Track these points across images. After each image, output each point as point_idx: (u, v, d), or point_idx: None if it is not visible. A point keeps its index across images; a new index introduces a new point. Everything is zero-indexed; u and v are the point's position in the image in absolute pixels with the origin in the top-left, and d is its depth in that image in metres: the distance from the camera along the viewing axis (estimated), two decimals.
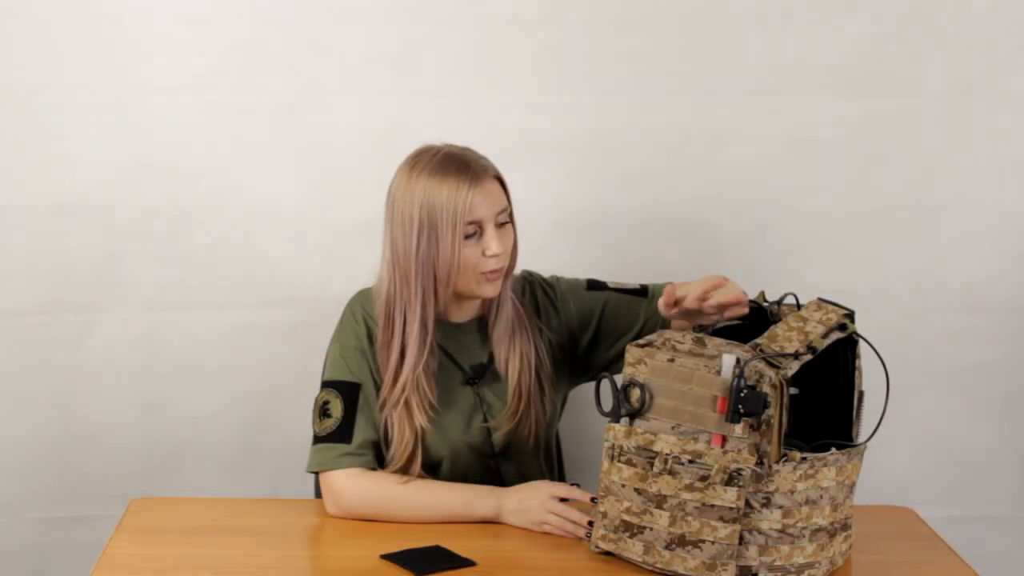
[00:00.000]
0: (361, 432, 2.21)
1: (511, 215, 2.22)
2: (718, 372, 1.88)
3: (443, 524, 2.14)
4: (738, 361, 1.87)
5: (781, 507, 1.89)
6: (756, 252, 2.70)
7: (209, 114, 2.60)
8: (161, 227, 2.63)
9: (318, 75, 2.61)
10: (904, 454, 2.78)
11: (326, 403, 2.23)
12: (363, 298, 2.29)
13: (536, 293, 2.34)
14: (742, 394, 1.84)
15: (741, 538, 1.88)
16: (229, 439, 2.73)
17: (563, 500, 2.13)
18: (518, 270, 2.32)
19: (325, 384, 2.25)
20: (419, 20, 2.60)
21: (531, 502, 2.13)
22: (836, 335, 1.98)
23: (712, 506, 1.88)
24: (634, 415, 1.94)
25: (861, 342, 2.03)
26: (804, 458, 1.89)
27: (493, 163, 2.22)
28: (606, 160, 2.67)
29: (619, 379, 1.98)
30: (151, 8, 2.56)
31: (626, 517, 1.95)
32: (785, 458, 1.87)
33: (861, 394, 2.05)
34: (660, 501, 1.91)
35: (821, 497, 1.93)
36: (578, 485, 2.15)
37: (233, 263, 2.66)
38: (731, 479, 1.87)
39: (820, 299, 2.04)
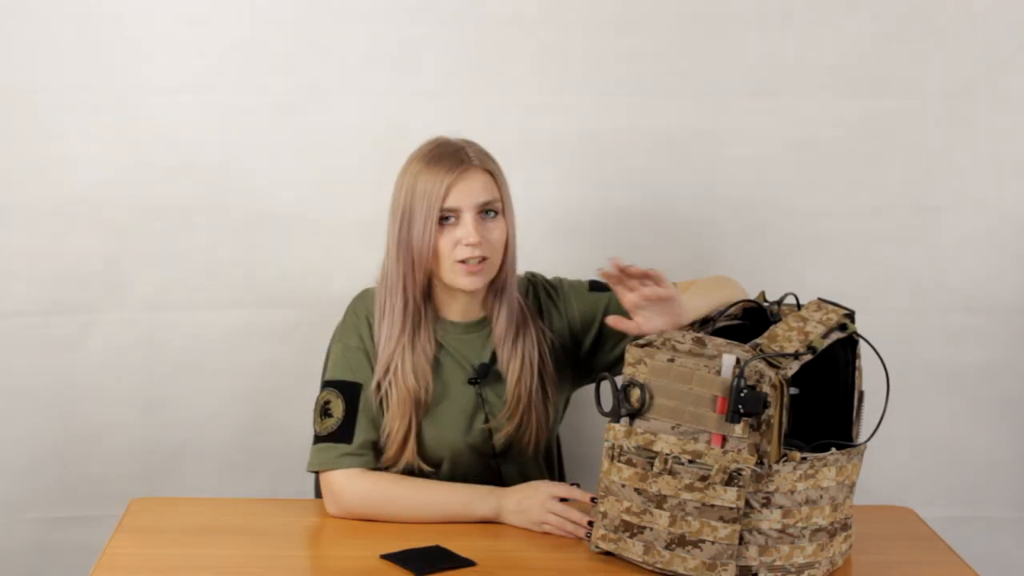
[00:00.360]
0: (362, 432, 2.21)
1: (504, 211, 2.21)
2: (718, 372, 1.88)
3: (443, 524, 2.14)
4: (738, 361, 1.87)
5: (781, 507, 1.89)
6: (756, 252, 2.70)
7: (209, 114, 2.60)
8: (161, 227, 2.63)
9: (318, 75, 2.61)
10: (904, 454, 2.78)
11: (327, 403, 2.23)
12: (366, 298, 2.29)
13: (539, 294, 2.34)
14: (742, 394, 1.84)
15: (741, 538, 1.88)
16: (229, 439, 2.73)
17: (563, 500, 2.13)
18: (521, 271, 2.31)
19: (327, 384, 2.25)
20: (419, 20, 2.60)
21: (531, 502, 2.13)
22: (836, 335, 1.98)
23: (712, 506, 1.88)
24: (634, 415, 1.94)
25: (861, 342, 2.03)
26: (804, 458, 1.89)
27: (492, 158, 2.22)
28: (606, 160, 2.67)
29: (619, 379, 1.98)
30: (151, 8, 2.56)
31: (626, 517, 1.95)
32: (785, 458, 1.87)
33: (861, 394, 2.05)
34: (660, 501, 1.91)
35: (821, 497, 1.93)
36: (578, 485, 2.15)
37: (233, 263, 2.66)
38: (731, 479, 1.87)
39: (820, 299, 2.04)
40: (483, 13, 2.60)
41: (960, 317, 2.75)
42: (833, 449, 1.93)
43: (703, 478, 1.88)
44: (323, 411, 2.23)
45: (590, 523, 2.06)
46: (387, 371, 2.22)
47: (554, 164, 2.64)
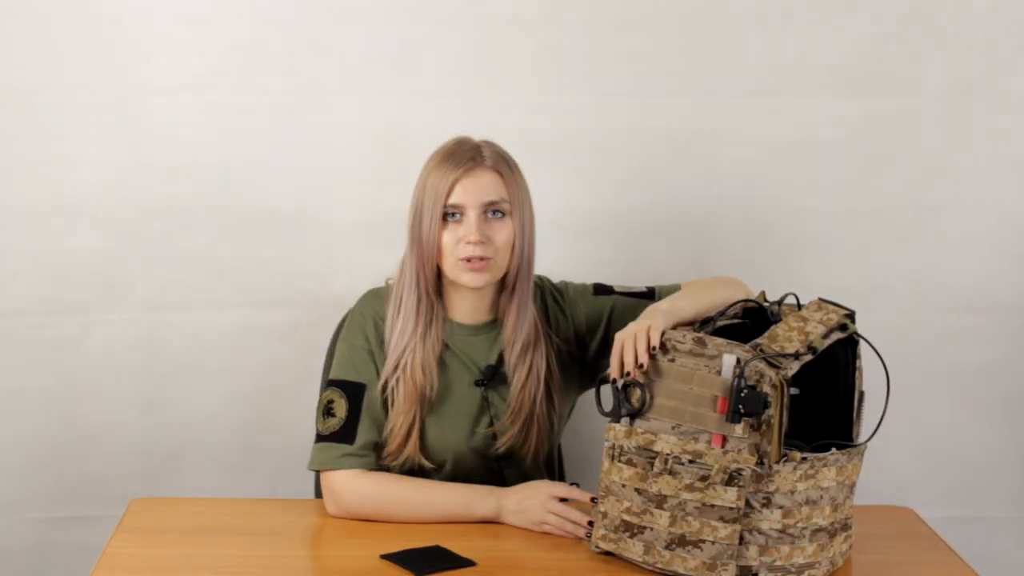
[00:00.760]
0: (364, 433, 2.21)
1: (513, 213, 2.21)
2: (718, 372, 1.88)
3: (443, 524, 2.14)
4: (738, 361, 1.87)
5: (781, 507, 1.89)
6: (756, 252, 2.70)
7: (209, 114, 2.60)
8: (161, 227, 2.63)
9: (318, 75, 2.60)
10: (904, 454, 2.78)
11: (330, 402, 2.23)
12: (372, 297, 2.29)
13: (546, 299, 2.34)
14: (742, 394, 1.84)
15: (741, 538, 1.88)
16: (229, 439, 2.73)
17: (563, 500, 2.13)
18: None
19: (331, 383, 2.25)
20: (419, 20, 2.60)
21: (531, 502, 2.13)
22: (836, 335, 1.98)
23: (712, 506, 1.88)
24: (634, 415, 1.94)
25: (861, 342, 2.03)
26: (804, 458, 1.89)
27: (509, 161, 2.23)
28: (606, 160, 2.67)
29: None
30: (151, 8, 2.56)
31: (626, 517, 1.95)
32: (785, 458, 1.87)
33: (861, 394, 2.05)
34: (660, 501, 1.91)
35: (821, 497, 1.93)
36: (577, 485, 2.15)
37: (233, 263, 2.66)
38: (731, 479, 1.87)
39: (820, 299, 2.04)
40: (483, 13, 2.60)
41: (960, 317, 2.75)
42: (833, 449, 1.93)
43: (703, 478, 1.88)
44: (326, 410, 2.23)
45: (590, 523, 2.05)
46: (397, 366, 2.22)
47: (554, 164, 2.64)
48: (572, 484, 2.15)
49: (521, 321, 2.26)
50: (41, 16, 2.53)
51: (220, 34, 2.58)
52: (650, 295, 2.33)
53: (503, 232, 2.20)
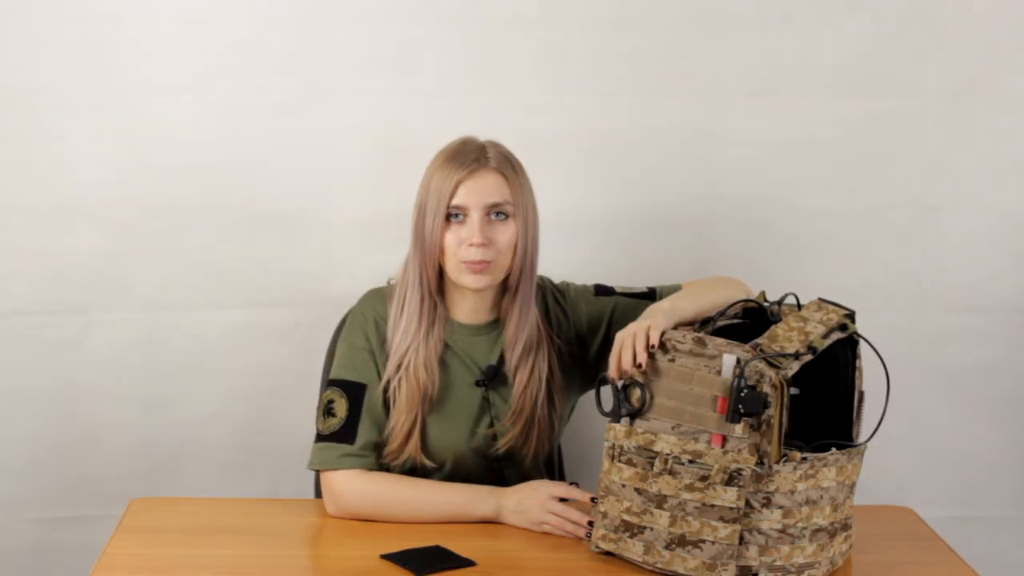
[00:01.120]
0: (365, 433, 2.21)
1: (517, 215, 2.21)
2: (718, 372, 1.88)
3: (443, 524, 2.14)
4: (738, 361, 1.87)
5: (781, 507, 1.89)
6: (756, 252, 2.70)
7: (209, 114, 2.60)
8: (161, 227, 2.63)
9: (318, 75, 2.60)
10: (904, 454, 2.78)
11: (331, 402, 2.23)
12: (373, 297, 2.29)
13: (547, 300, 2.34)
14: (742, 394, 1.84)
15: (741, 538, 1.88)
16: (229, 439, 2.73)
17: (563, 500, 2.13)
18: None
19: (331, 382, 2.25)
20: (419, 20, 2.60)
21: (531, 502, 2.13)
22: (836, 335, 1.98)
23: (712, 506, 1.88)
24: (634, 415, 1.94)
25: (861, 342, 2.03)
26: (804, 458, 1.89)
27: (514, 163, 2.23)
28: (606, 160, 2.67)
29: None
30: (151, 8, 2.56)
31: (626, 517, 1.95)
32: (785, 458, 1.87)
33: (861, 394, 2.05)
34: (660, 501, 1.91)
35: (821, 497, 1.93)
36: (577, 484, 2.15)
37: (233, 263, 2.66)
38: (731, 479, 1.87)
39: (820, 299, 2.04)
40: (483, 13, 2.60)
41: (960, 317, 2.75)
42: (833, 449, 1.93)
43: (703, 478, 1.88)
44: (326, 410, 2.23)
45: (590, 523, 2.06)
46: (400, 365, 2.22)
47: (554, 164, 2.63)
48: (572, 484, 2.15)
49: (523, 322, 2.26)
50: (41, 16, 2.53)
51: (220, 34, 2.58)
52: (651, 295, 2.33)
53: (506, 234, 2.20)
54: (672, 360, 1.92)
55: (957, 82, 2.66)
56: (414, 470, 2.25)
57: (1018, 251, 2.74)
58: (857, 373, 2.04)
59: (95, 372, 2.68)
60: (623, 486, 1.95)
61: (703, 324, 2.06)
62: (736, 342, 1.90)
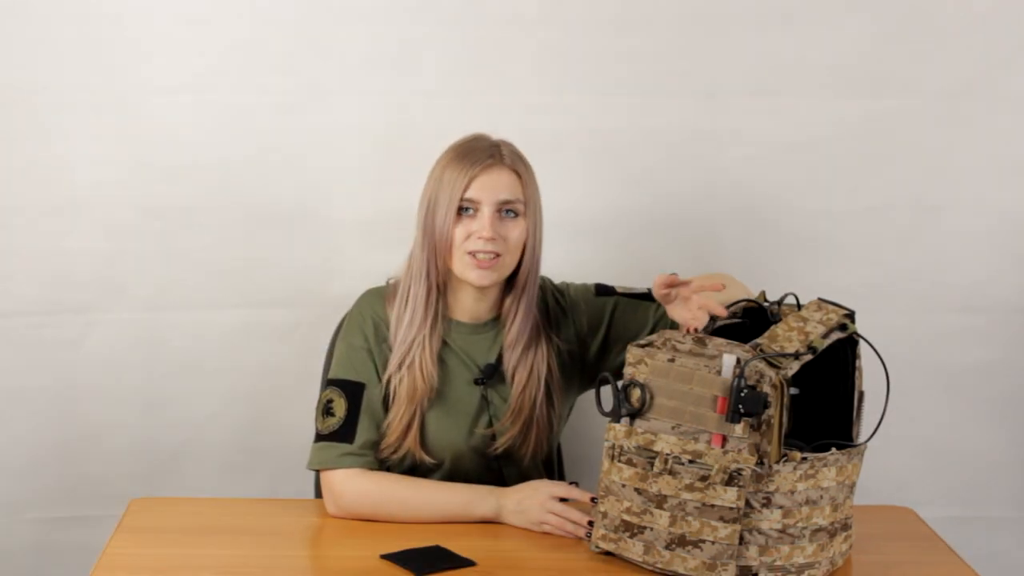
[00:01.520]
0: (364, 433, 2.21)
1: (527, 214, 2.21)
2: (718, 372, 1.88)
3: (443, 524, 2.14)
4: (738, 361, 1.87)
5: (781, 507, 1.89)
6: (756, 252, 2.70)
7: (209, 114, 2.60)
8: (161, 227, 2.63)
9: (318, 75, 2.60)
10: (904, 454, 2.78)
11: (330, 401, 2.23)
12: (372, 297, 2.29)
13: (547, 300, 2.34)
14: (742, 394, 1.84)
15: (741, 538, 1.88)
16: (229, 439, 2.73)
17: (563, 500, 2.13)
18: None
19: (330, 382, 2.25)
20: (419, 20, 2.60)
21: (531, 502, 2.13)
22: (836, 335, 1.98)
23: (712, 506, 1.88)
24: (634, 415, 1.94)
25: (861, 342, 2.03)
26: (804, 458, 1.89)
27: (525, 162, 2.23)
28: (606, 160, 2.67)
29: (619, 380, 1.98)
30: (151, 8, 2.56)
31: (626, 517, 1.95)
32: (785, 458, 1.87)
33: (861, 394, 2.05)
34: (660, 501, 1.91)
35: (821, 497, 1.93)
36: (577, 484, 2.15)
37: (233, 263, 2.66)
38: (731, 479, 1.87)
39: (820, 299, 2.04)
40: (483, 13, 2.60)
41: (960, 317, 2.75)
42: (833, 449, 1.93)
43: (703, 478, 1.88)
44: (325, 409, 2.23)
45: (590, 523, 2.06)
46: (402, 361, 2.22)
47: (554, 164, 2.62)
48: (572, 484, 2.15)
49: (524, 322, 2.26)
50: (41, 16, 2.53)
51: (220, 34, 2.58)
52: (651, 296, 2.33)
53: (515, 231, 2.20)
54: (672, 360, 1.92)
55: (957, 82, 2.66)
56: (413, 469, 2.25)
57: (1018, 251, 2.74)
58: (857, 373, 2.04)
59: (95, 372, 2.68)
60: (623, 486, 1.95)
61: None
62: (736, 342, 1.90)
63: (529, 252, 2.23)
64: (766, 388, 1.85)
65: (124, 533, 2.10)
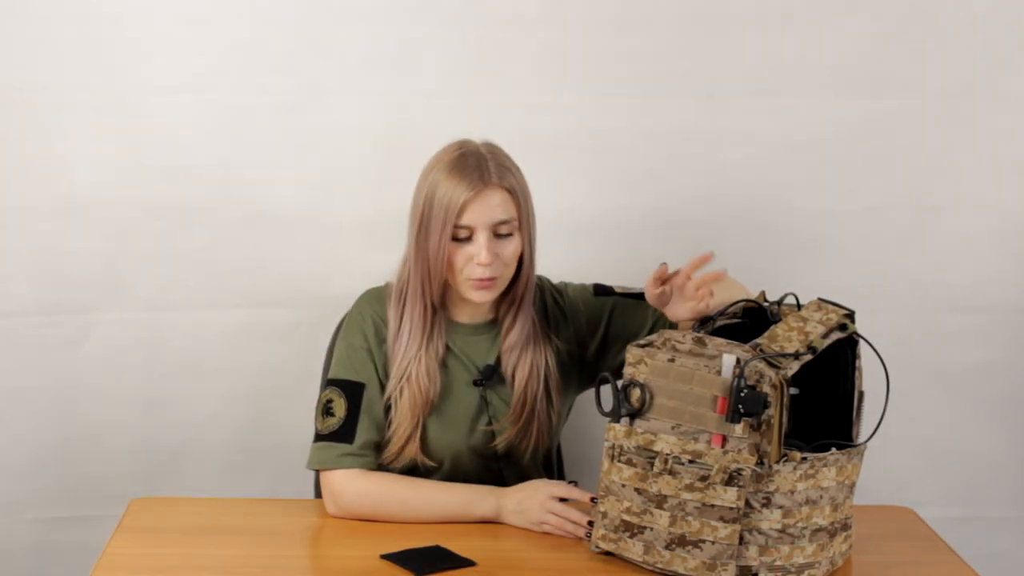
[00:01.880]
0: (364, 433, 2.21)
1: (521, 227, 2.21)
2: (718, 372, 1.88)
3: (443, 524, 2.14)
4: (738, 361, 1.87)
5: (781, 507, 1.89)
6: (756, 252, 2.70)
7: (209, 114, 2.60)
8: (161, 227, 2.63)
9: (318, 75, 2.60)
10: (904, 454, 2.78)
11: (330, 401, 2.23)
12: (371, 297, 2.29)
13: (546, 300, 2.34)
14: (742, 394, 1.84)
15: (741, 538, 1.88)
16: (229, 439, 2.73)
17: (563, 500, 2.13)
18: None
19: (330, 382, 2.25)
20: (419, 20, 2.60)
21: (531, 502, 2.13)
22: (836, 335, 1.98)
23: (712, 506, 1.88)
24: (634, 415, 1.94)
25: (861, 342, 2.03)
26: (804, 458, 1.89)
27: (514, 171, 2.21)
28: (606, 160, 2.67)
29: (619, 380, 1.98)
30: (151, 8, 2.56)
31: (626, 517, 1.95)
32: (785, 458, 1.87)
33: (861, 394, 2.05)
34: (660, 501, 1.91)
35: (821, 497, 1.93)
36: (576, 483, 2.15)
37: (233, 263, 2.66)
38: (731, 479, 1.87)
39: (820, 299, 2.04)
40: (483, 13, 2.60)
41: (960, 317, 2.75)
42: (833, 449, 1.93)
43: (703, 478, 1.88)
44: (325, 409, 2.23)
45: (590, 523, 2.06)
46: (402, 376, 2.22)
47: (554, 164, 2.64)
48: (571, 483, 2.15)
49: (522, 324, 2.26)
50: (41, 16, 2.53)
51: (220, 34, 2.58)
52: None
53: (510, 247, 2.20)
54: (672, 360, 1.92)
55: (957, 82, 2.66)
56: (413, 469, 2.25)
57: (1018, 251, 2.74)
58: (857, 373, 2.04)
59: (95, 372, 2.68)
60: (623, 486, 1.95)
61: (702, 324, 2.06)
62: (736, 342, 1.90)
63: (527, 260, 2.24)
64: (766, 388, 1.85)
65: (124, 533, 2.10)
